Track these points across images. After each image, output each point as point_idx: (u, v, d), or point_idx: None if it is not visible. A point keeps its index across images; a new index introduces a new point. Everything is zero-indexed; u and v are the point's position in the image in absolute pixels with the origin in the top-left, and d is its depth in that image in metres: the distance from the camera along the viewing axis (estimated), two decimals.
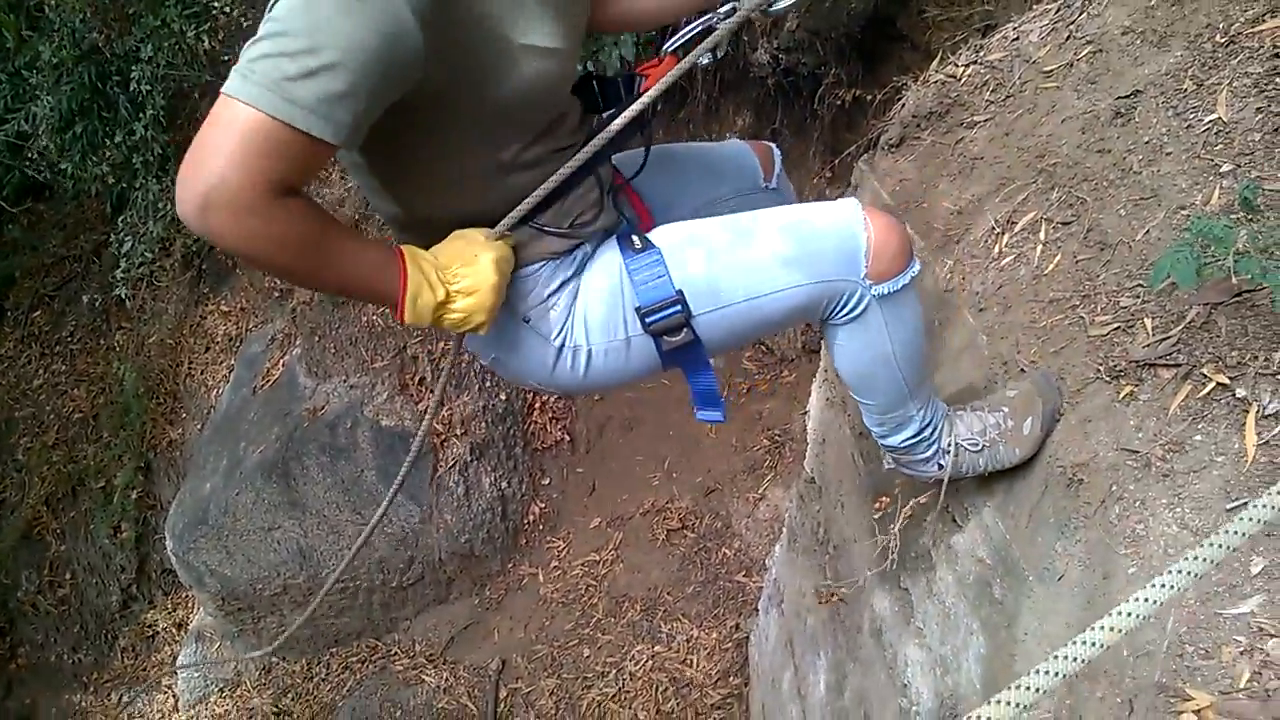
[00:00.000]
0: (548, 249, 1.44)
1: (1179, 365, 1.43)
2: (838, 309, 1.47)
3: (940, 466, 1.68)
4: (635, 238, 1.46)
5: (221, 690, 6.23)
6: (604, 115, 1.49)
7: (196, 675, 6.28)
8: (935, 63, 2.36)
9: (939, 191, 2.13)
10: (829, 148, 3.83)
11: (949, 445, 1.65)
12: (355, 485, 5.30)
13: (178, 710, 6.42)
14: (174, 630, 6.78)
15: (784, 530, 3.44)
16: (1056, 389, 1.61)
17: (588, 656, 4.72)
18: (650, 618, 4.66)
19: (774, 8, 1.57)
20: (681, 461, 4.89)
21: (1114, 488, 1.45)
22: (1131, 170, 1.73)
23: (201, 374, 6.64)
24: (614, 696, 4.51)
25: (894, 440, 1.67)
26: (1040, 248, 1.79)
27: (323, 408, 5.48)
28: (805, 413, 3.02)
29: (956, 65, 2.31)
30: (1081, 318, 1.62)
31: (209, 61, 5.45)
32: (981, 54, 2.27)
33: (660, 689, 4.42)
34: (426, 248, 1.31)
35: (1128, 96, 1.85)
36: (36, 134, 5.92)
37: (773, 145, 1.88)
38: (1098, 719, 1.36)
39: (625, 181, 1.63)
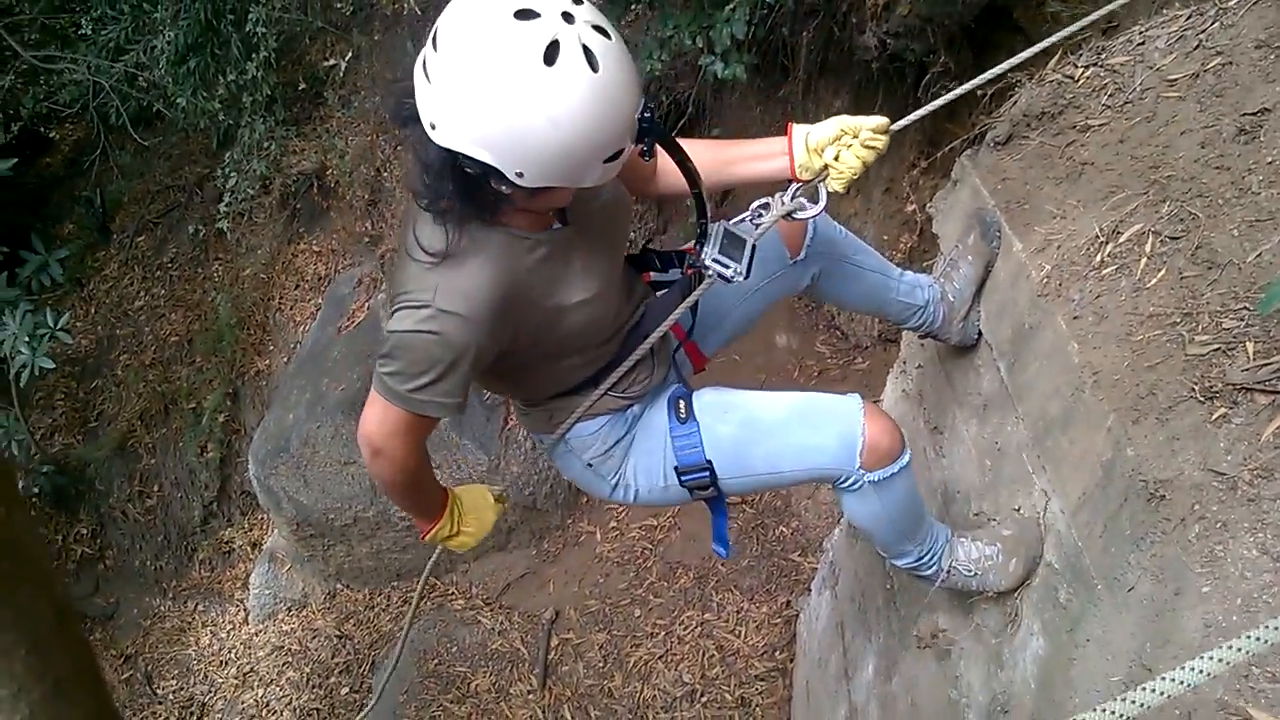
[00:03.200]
0: (607, 406, 1.85)
1: (1277, 393, 1.42)
2: (840, 482, 1.86)
3: (938, 580, 2.06)
4: (683, 404, 1.87)
5: (289, 609, 6.54)
6: (656, 295, 1.91)
7: (267, 593, 6.59)
8: (1053, 61, 2.32)
9: (1043, 194, 2.11)
10: (928, 139, 3.78)
11: (948, 566, 2.03)
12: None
13: (248, 623, 6.76)
14: (249, 549, 7.11)
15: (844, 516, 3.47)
16: (1040, 540, 1.90)
17: (638, 616, 4.83)
18: (702, 586, 4.74)
19: (803, 214, 1.80)
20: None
21: (1196, 507, 1.45)
22: (1250, 190, 1.70)
23: (290, 309, 6.89)
24: (661, 657, 4.62)
25: (898, 562, 2.08)
26: (1145, 260, 1.77)
27: None
28: (878, 401, 3.03)
29: (1075, 66, 2.27)
30: (1181, 335, 1.61)
31: (322, 8, 5.58)
32: (1103, 56, 2.23)
33: (706, 654, 4.51)
34: (531, 406, 1.90)
35: (1255, 114, 1.81)
36: (155, 65, 6.16)
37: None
38: None
39: (685, 338, 1.99)
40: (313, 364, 6.13)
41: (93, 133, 7.82)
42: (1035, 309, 1.96)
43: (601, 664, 4.75)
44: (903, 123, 1.91)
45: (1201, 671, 1.06)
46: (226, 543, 7.27)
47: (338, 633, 6.16)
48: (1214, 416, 1.50)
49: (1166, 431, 1.56)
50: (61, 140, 9.09)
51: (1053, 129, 2.22)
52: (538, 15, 1.28)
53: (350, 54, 6.17)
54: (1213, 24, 2.06)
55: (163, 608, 7.32)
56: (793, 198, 1.79)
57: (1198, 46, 2.07)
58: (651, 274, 1.97)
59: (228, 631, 6.84)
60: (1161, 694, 1.05)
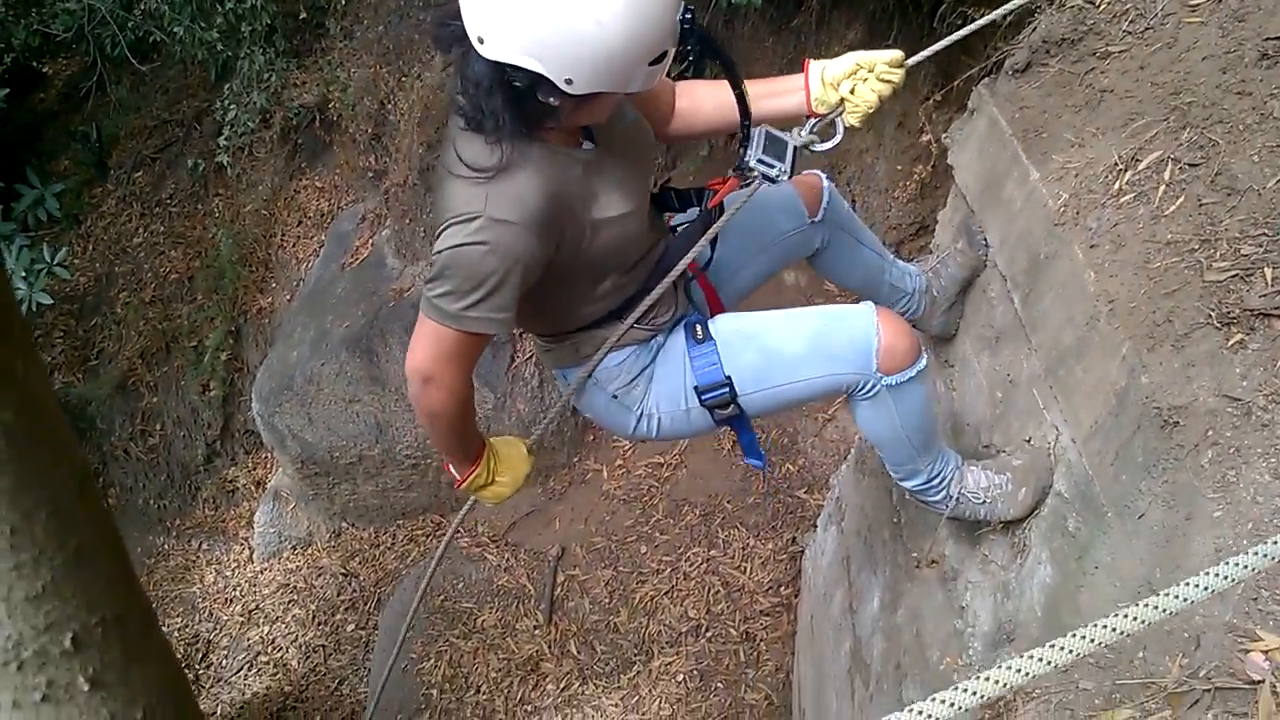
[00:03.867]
0: (633, 338, 1.86)
1: None
2: (856, 391, 1.88)
3: (946, 507, 2.06)
4: (699, 328, 1.88)
5: (294, 548, 6.61)
6: (676, 230, 1.94)
7: (272, 531, 6.66)
8: None
9: (1062, 122, 2.08)
10: (942, 70, 3.70)
11: (956, 493, 2.02)
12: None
13: (252, 561, 6.84)
14: (253, 488, 7.16)
15: (852, 452, 3.48)
16: (1050, 469, 1.92)
17: (644, 553, 4.89)
18: (708, 523, 4.79)
19: (821, 146, 1.79)
20: None
21: (1210, 433, 1.46)
22: (1271, 115, 1.67)
23: (293, 246, 6.85)
24: (666, 593, 4.68)
25: (906, 484, 2.09)
26: (1163, 188, 1.75)
27: (409, 289, 5.63)
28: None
29: None
30: (1199, 261, 1.60)
31: None
32: None
33: (712, 590, 4.57)
34: (555, 341, 1.92)
35: (1277, 38, 1.77)
36: None
37: (823, 179, 2.10)
38: (1163, 650, 1.40)
39: (699, 271, 1.99)
40: (316, 301, 6.11)
41: (88, 64, 7.67)
42: (1052, 238, 1.94)
43: (607, 600, 4.82)
44: (918, 57, 1.90)
45: (1204, 588, 1.07)
46: (230, 481, 7.31)
47: (343, 571, 6.24)
48: (1230, 342, 1.49)
49: (1182, 358, 1.55)
50: (56, 74, 8.92)
51: (1072, 56, 2.17)
52: None
53: None
54: None
55: (167, 546, 7.38)
56: (811, 130, 1.79)
57: None
58: (674, 216, 1.99)
59: (233, 570, 6.92)
60: (1163, 610, 1.06)
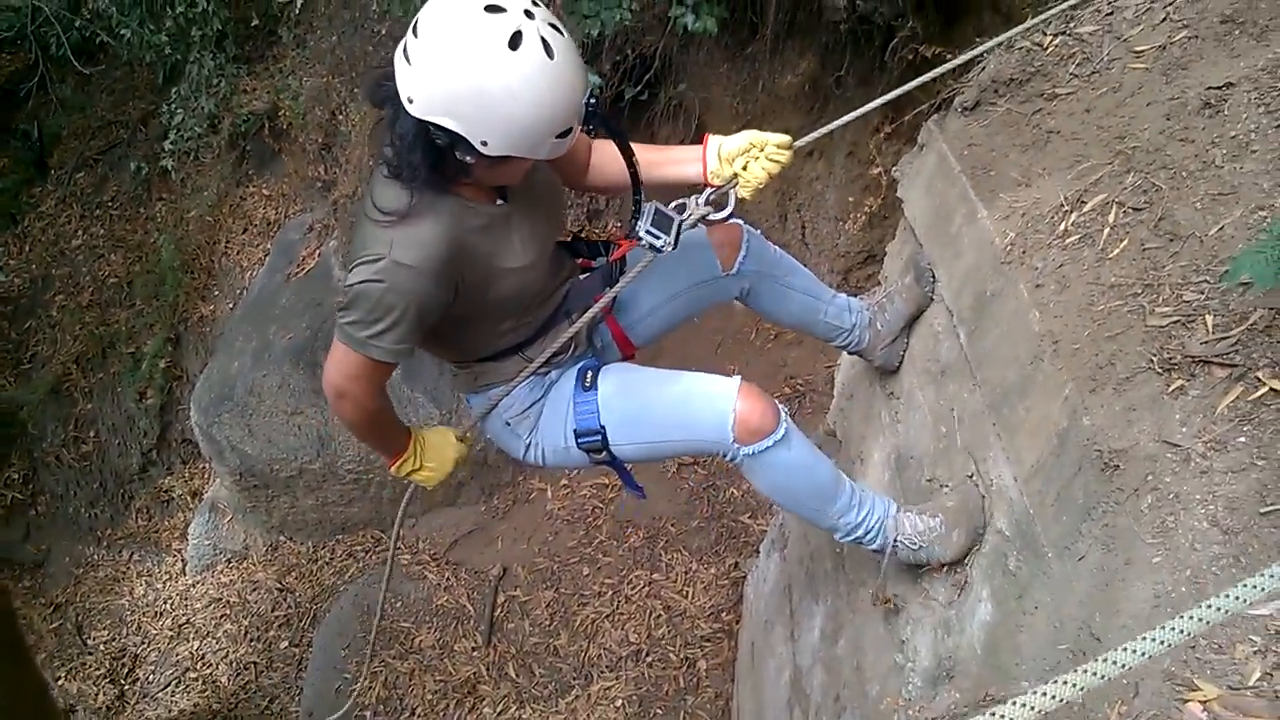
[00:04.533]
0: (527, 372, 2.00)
1: (1234, 366, 1.42)
2: (726, 458, 1.99)
3: (884, 553, 2.12)
4: (590, 374, 2.04)
5: (229, 561, 6.43)
6: (580, 277, 2.11)
7: (207, 544, 6.47)
8: (1022, 28, 2.29)
9: (1009, 161, 2.10)
10: (892, 103, 3.74)
11: (893, 538, 2.08)
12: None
13: (185, 574, 6.64)
14: (189, 498, 6.97)
15: None
16: (983, 510, 1.97)
17: (586, 575, 4.83)
18: (652, 546, 4.75)
19: (715, 216, 1.90)
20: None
21: (1149, 478, 1.46)
22: (1214, 164, 1.70)
23: (237, 254, 6.70)
24: (608, 616, 4.63)
25: (836, 536, 2.16)
26: (1108, 230, 1.77)
27: None
28: (834, 365, 3.02)
29: (1044, 34, 2.25)
30: (1141, 306, 1.61)
31: None
32: (1072, 25, 2.20)
33: (653, 614, 4.53)
34: (460, 367, 2.09)
35: (1219, 88, 1.80)
36: None
37: (741, 227, 2.20)
38: (1102, 697, 1.39)
39: (607, 313, 2.13)
40: (260, 311, 5.98)
41: (31, 62, 7.45)
42: (998, 276, 1.95)
43: (548, 622, 4.75)
44: (805, 140, 2.04)
45: (1140, 653, 1.06)
46: (165, 491, 7.10)
47: (278, 585, 6.08)
48: (1171, 388, 1.50)
49: (1123, 402, 1.56)
50: None
51: (1020, 96, 2.20)
52: (504, 10, 1.53)
53: None
54: None
55: (96, 556, 7.14)
56: (705, 201, 1.91)
57: (1165, 19, 2.06)
58: (592, 261, 2.16)
59: (164, 582, 6.71)
60: (1101, 676, 1.04)
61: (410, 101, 1.59)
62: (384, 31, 5.38)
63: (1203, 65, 1.91)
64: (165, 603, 6.60)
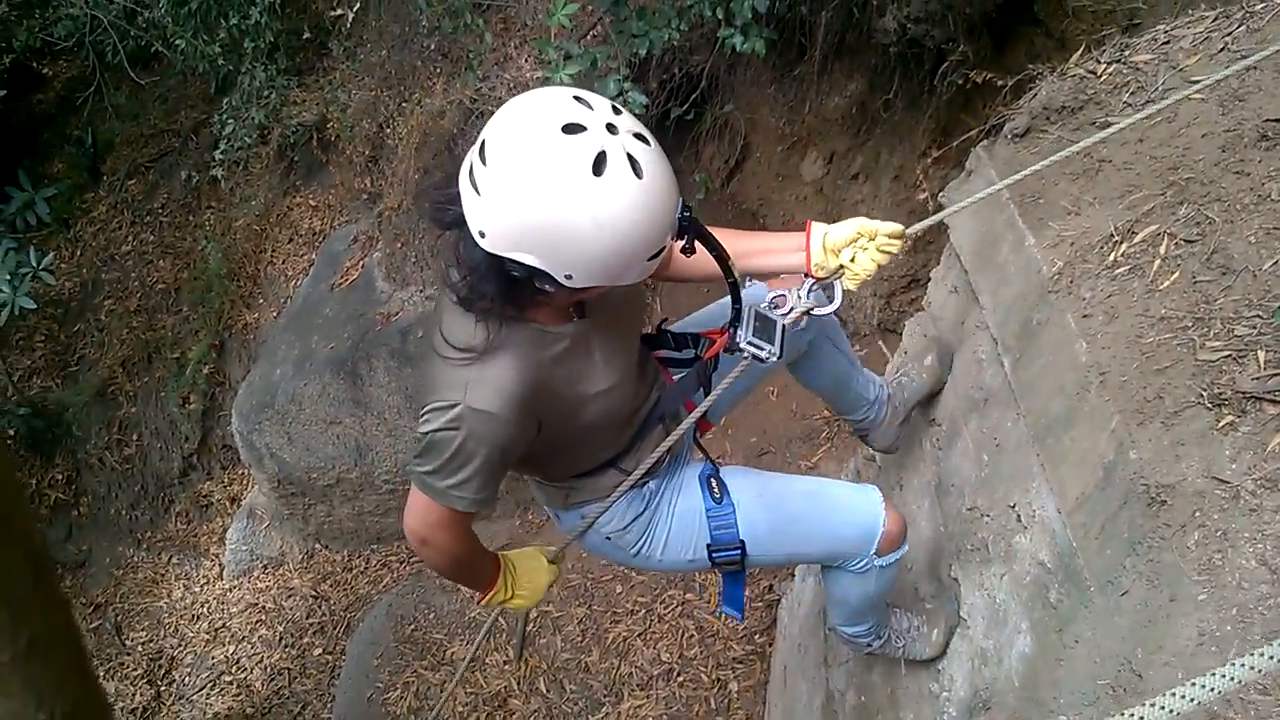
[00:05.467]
0: (623, 488, 1.89)
1: None
2: (848, 564, 2.03)
3: (871, 646, 2.29)
4: (715, 483, 1.98)
5: (265, 567, 6.51)
6: (672, 378, 2.01)
7: (244, 549, 6.55)
8: (1076, 56, 2.28)
9: (1058, 189, 2.09)
10: (940, 127, 3.73)
11: (883, 633, 2.25)
12: (419, 393, 5.44)
13: (222, 579, 6.72)
14: (227, 504, 7.06)
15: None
16: (957, 614, 2.14)
17: (619, 593, 4.81)
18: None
19: (820, 311, 1.82)
20: (739, 419, 4.91)
21: (1197, 514, 1.44)
22: (1269, 197, 1.68)
23: (283, 263, 6.80)
24: (640, 634, 4.61)
25: (846, 632, 2.29)
26: (1158, 262, 1.75)
27: (397, 313, 5.59)
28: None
29: (1098, 61, 2.23)
30: (1191, 340, 1.60)
31: None
32: (1126, 53, 2.19)
33: (686, 634, 4.51)
34: (547, 483, 1.98)
35: (1277, 120, 1.79)
36: (155, 4, 6.03)
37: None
38: None
39: (705, 419, 1.98)
40: (303, 320, 6.06)
41: (87, 70, 7.65)
42: (1044, 305, 1.94)
43: (580, 638, 4.74)
44: (918, 227, 1.91)
45: (1191, 699, 1.04)
46: (205, 496, 7.20)
47: (314, 593, 6.13)
48: (1220, 424, 1.48)
49: (1171, 436, 1.54)
50: (55, 77, 8.90)
51: (1072, 124, 2.19)
52: (584, 129, 1.34)
53: (358, 4, 6.05)
54: (1239, 27, 2.03)
55: (136, 558, 7.25)
56: (809, 293, 1.82)
57: (1223, 49, 2.04)
58: (661, 351, 2.04)
59: (201, 586, 6.80)
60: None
61: (482, 235, 1.42)
62: (433, 47, 5.45)
63: (1260, 96, 1.89)
64: (202, 606, 6.68)
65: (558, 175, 1.34)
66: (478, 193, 1.40)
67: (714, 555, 1.97)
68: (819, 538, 2.02)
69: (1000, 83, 2.45)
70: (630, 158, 1.36)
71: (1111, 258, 1.84)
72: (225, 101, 6.31)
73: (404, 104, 5.58)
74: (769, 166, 4.85)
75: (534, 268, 1.41)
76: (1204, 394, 1.52)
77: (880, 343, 4.53)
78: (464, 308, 1.55)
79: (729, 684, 4.26)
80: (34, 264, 5.96)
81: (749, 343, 1.74)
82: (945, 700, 2.17)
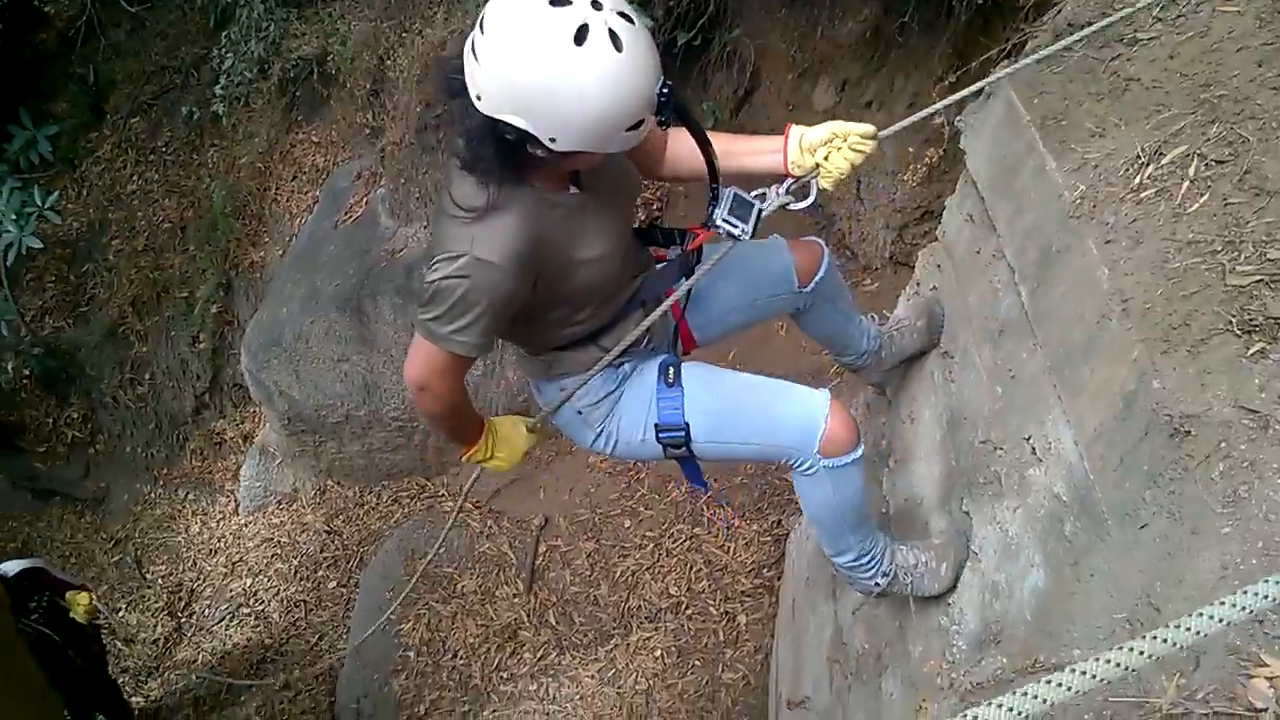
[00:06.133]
0: (600, 360, 2.00)
1: None
2: (797, 466, 2.08)
3: (877, 585, 2.26)
4: (672, 371, 2.07)
5: (279, 503, 6.58)
6: (656, 267, 2.11)
7: (258, 485, 6.62)
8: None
9: (1082, 111, 1.99)
10: (958, 52, 3.60)
11: (889, 570, 2.23)
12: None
13: (237, 514, 6.82)
14: (240, 441, 7.11)
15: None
16: (966, 547, 2.13)
17: (628, 527, 4.84)
18: (693, 500, 4.73)
19: (796, 206, 1.94)
20: (748, 354, 4.86)
21: (1223, 444, 1.39)
22: None
23: (287, 201, 6.73)
24: (648, 568, 4.65)
25: (838, 560, 2.28)
26: (1187, 184, 1.67)
27: (401, 250, 5.54)
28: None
29: None
30: (1221, 264, 1.53)
31: None
32: None
33: (694, 568, 4.53)
34: (531, 354, 2.10)
35: None
36: None
37: (822, 247, 2.29)
38: (1159, 668, 1.34)
39: (681, 315, 2.17)
40: (308, 258, 6.02)
41: (87, 6, 7.49)
42: (1065, 231, 1.86)
43: (588, 572, 4.78)
44: (889, 130, 1.99)
45: (1217, 619, 1.01)
46: (218, 434, 7.26)
47: (326, 528, 6.20)
48: (1250, 351, 1.43)
49: (1197, 365, 1.48)
50: (57, 15, 8.73)
51: (1098, 41, 2.08)
52: (569, 3, 1.49)
53: None
54: None
55: (153, 495, 7.35)
56: (787, 190, 1.93)
57: None
58: (662, 251, 2.15)
59: (217, 521, 6.90)
60: (1172, 643, 1.00)
61: (479, 99, 1.58)
62: (437, 70, 5.28)
63: None
64: (219, 541, 6.79)
65: (542, 42, 1.48)
66: (477, 60, 1.55)
67: (660, 436, 2.07)
68: (760, 429, 2.08)
69: (1020, 2, 2.34)
70: (611, 32, 1.49)
71: (1137, 181, 1.75)
72: (224, 35, 6.19)
73: (404, 35, 5.45)
74: (779, 95, 4.72)
75: (523, 130, 1.56)
76: (1233, 320, 1.46)
77: (891, 275, 4.45)
78: (467, 170, 1.70)
79: (737, 617, 4.30)
80: (39, 203, 5.90)
81: (724, 220, 1.86)
82: (955, 633, 2.15)
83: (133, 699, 5.80)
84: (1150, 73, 1.90)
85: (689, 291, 2.05)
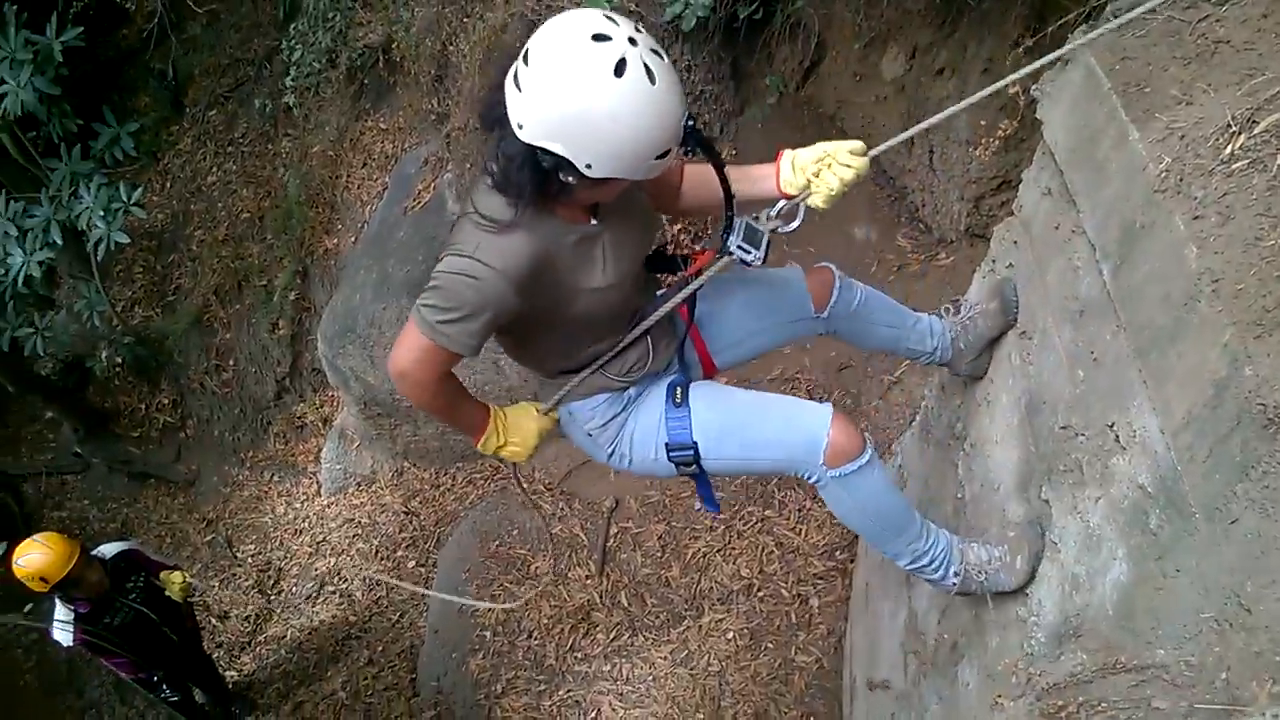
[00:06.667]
0: (605, 386, 2.14)
1: None
2: (807, 478, 2.13)
3: (952, 585, 2.25)
4: (680, 391, 2.15)
5: (359, 485, 6.76)
6: (659, 293, 2.19)
7: (338, 468, 6.80)
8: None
9: (1167, 76, 1.87)
10: (1034, 12, 3.43)
11: (959, 569, 2.23)
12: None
13: (320, 495, 7.03)
14: (320, 424, 7.31)
15: (918, 418, 3.34)
16: (1041, 538, 2.09)
17: (698, 509, 4.82)
18: (764, 482, 4.68)
19: (785, 229, 2.00)
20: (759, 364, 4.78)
21: None
22: None
23: (358, 188, 6.84)
24: (719, 550, 4.62)
25: (900, 564, 2.29)
26: None
27: None
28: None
29: None
30: None
31: None
32: None
33: (765, 550, 4.50)
34: (540, 377, 2.20)
35: None
36: None
37: (834, 274, 2.35)
38: (1250, 672, 1.27)
39: (695, 335, 2.27)
40: (379, 244, 6.11)
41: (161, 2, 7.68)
42: (1150, 206, 1.76)
43: (660, 554, 4.78)
44: (878, 150, 2.03)
45: None
46: (299, 418, 7.48)
47: (404, 509, 6.35)
48: None
49: None
50: (138, 10, 9.00)
51: (1184, 1, 1.95)
52: (610, 39, 1.61)
53: None
54: None
55: (241, 476, 7.62)
56: (777, 213, 2.00)
57: None
58: (671, 276, 2.23)
59: (301, 502, 7.12)
60: None
61: (520, 127, 1.68)
62: (480, 101, 5.26)
63: None
64: (303, 521, 7.01)
65: (585, 72, 1.60)
66: (519, 89, 1.67)
67: (671, 455, 2.15)
68: (766, 443, 2.13)
69: None
70: (647, 66, 1.61)
71: (1228, 151, 1.64)
72: (292, 27, 6.28)
73: (466, 19, 5.45)
74: (846, 66, 4.59)
75: (561, 157, 1.67)
76: None
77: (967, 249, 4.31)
78: (499, 191, 1.79)
79: (810, 599, 4.26)
80: (125, 198, 6.10)
81: (738, 246, 1.96)
82: (1033, 625, 2.08)
83: (226, 672, 6.05)
84: (1242, 34, 1.78)
85: (693, 309, 2.16)
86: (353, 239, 6.74)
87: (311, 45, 5.96)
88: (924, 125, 2.13)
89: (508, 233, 1.80)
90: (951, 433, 2.82)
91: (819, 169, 1.97)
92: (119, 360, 7.60)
